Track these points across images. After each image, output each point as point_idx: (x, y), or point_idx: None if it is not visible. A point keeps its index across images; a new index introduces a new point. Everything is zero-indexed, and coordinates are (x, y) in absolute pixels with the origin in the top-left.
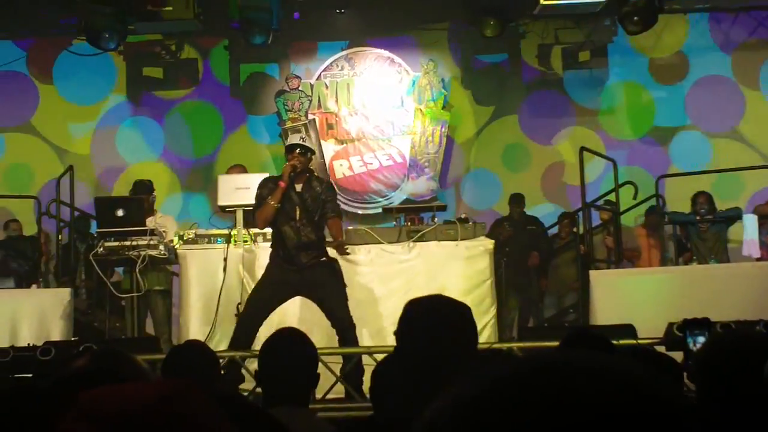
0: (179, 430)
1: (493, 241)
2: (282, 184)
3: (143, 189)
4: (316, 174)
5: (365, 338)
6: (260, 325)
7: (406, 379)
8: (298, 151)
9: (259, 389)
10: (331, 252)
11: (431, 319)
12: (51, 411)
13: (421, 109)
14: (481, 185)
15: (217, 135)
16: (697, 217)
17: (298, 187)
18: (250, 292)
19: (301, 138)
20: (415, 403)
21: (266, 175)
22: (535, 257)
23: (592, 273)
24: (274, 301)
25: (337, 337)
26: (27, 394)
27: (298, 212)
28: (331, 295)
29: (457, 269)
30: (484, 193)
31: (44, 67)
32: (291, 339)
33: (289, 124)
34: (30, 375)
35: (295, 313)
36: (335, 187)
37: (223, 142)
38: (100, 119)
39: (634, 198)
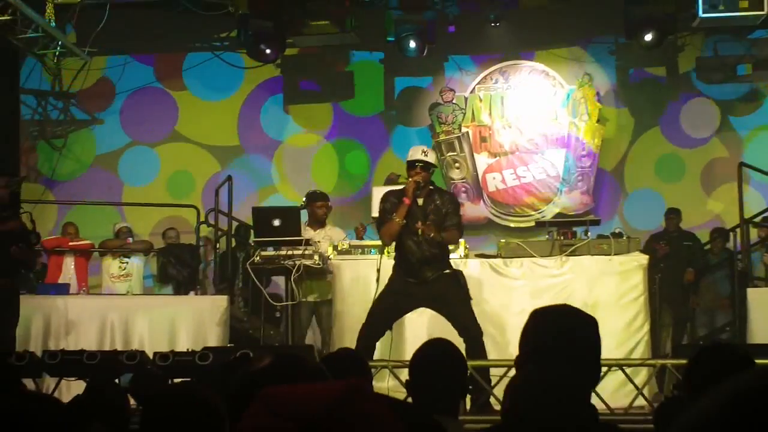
0: (360, 427)
1: (647, 256)
2: (407, 200)
3: (314, 198)
4: (437, 187)
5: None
6: (381, 335)
7: (536, 391)
8: (419, 165)
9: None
10: (456, 263)
11: (555, 328)
12: (238, 406)
13: (575, 123)
14: (643, 205)
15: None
16: None
17: (420, 201)
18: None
19: (423, 152)
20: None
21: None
22: (691, 274)
23: (750, 291)
24: (397, 311)
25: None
26: (211, 391)
27: (420, 226)
28: (456, 305)
29: (610, 284)
30: (647, 212)
31: (174, 75)
32: (442, 349)
33: (442, 137)
34: (190, 380)
35: (423, 325)
36: (458, 200)
37: (378, 157)
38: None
39: None
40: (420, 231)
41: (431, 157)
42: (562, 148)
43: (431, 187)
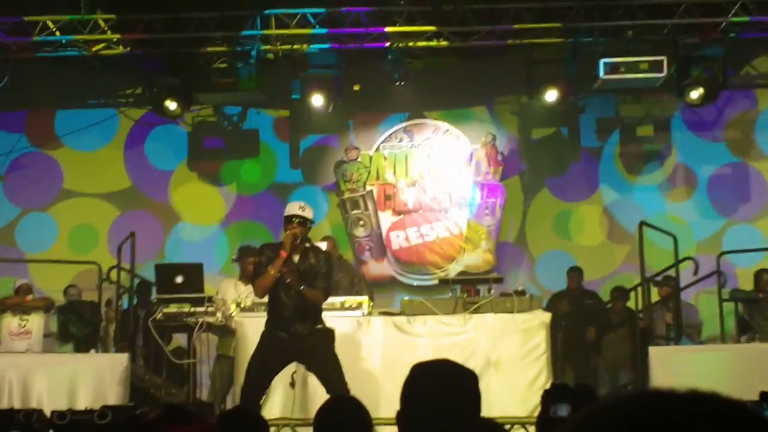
0: None
1: (549, 314)
2: (284, 253)
3: (247, 253)
4: (313, 244)
5: None
6: (262, 393)
7: None
8: (296, 221)
9: None
10: (359, 321)
11: (434, 384)
12: None
13: (478, 182)
14: (552, 264)
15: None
16: (760, 295)
17: (296, 258)
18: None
19: (300, 207)
20: None
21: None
22: (592, 332)
23: (652, 349)
24: (271, 368)
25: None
26: None
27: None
28: (326, 362)
29: (513, 341)
30: (558, 271)
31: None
32: (346, 407)
33: (347, 195)
34: None
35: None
36: (332, 262)
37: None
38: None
39: (695, 274)
40: (288, 281)
41: (308, 213)
42: (465, 207)
43: (308, 245)
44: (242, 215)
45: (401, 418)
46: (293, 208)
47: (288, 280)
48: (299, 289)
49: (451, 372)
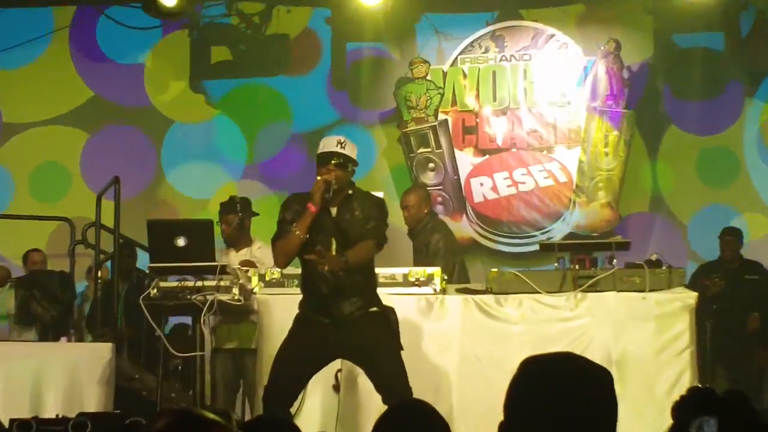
0: None
1: (695, 294)
2: (312, 207)
3: (233, 208)
4: (360, 191)
5: None
6: (294, 400)
7: None
8: (333, 162)
9: None
10: (428, 301)
11: (553, 387)
12: None
13: (595, 108)
14: (696, 225)
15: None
16: None
17: (334, 211)
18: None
19: (339, 143)
20: None
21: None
22: (756, 320)
23: None
24: (309, 364)
25: None
26: None
27: (334, 245)
28: (383, 358)
29: (643, 332)
30: (705, 234)
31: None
32: (417, 414)
33: (411, 127)
34: None
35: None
36: (386, 208)
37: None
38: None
39: None
40: (317, 253)
41: (350, 150)
42: (577, 144)
43: (351, 191)
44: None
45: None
46: (329, 143)
47: (317, 253)
48: (341, 265)
49: (578, 370)
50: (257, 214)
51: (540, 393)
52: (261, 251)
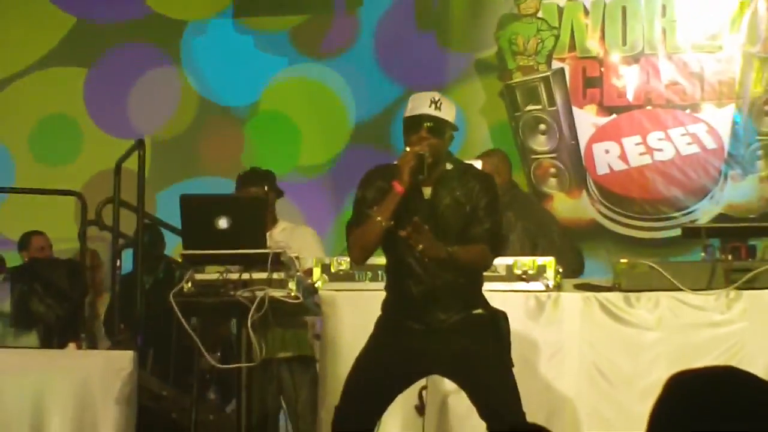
0: None
1: None
2: (398, 187)
3: (257, 182)
4: (462, 164)
5: None
6: (374, 424)
7: None
8: (426, 127)
9: None
10: (539, 300)
11: (711, 410)
12: None
13: (755, 55)
14: None
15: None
16: None
17: (428, 192)
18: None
19: (433, 103)
20: None
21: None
22: None
23: None
24: (394, 385)
25: None
26: None
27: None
28: (489, 373)
29: None
30: None
31: None
32: None
33: (517, 77)
34: None
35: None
36: (497, 189)
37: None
38: None
39: None
40: (408, 237)
41: (448, 112)
42: (730, 100)
43: (449, 165)
44: None
45: None
46: (420, 103)
47: (411, 239)
48: (441, 254)
49: (743, 389)
50: (283, 194)
51: (694, 418)
52: (285, 233)
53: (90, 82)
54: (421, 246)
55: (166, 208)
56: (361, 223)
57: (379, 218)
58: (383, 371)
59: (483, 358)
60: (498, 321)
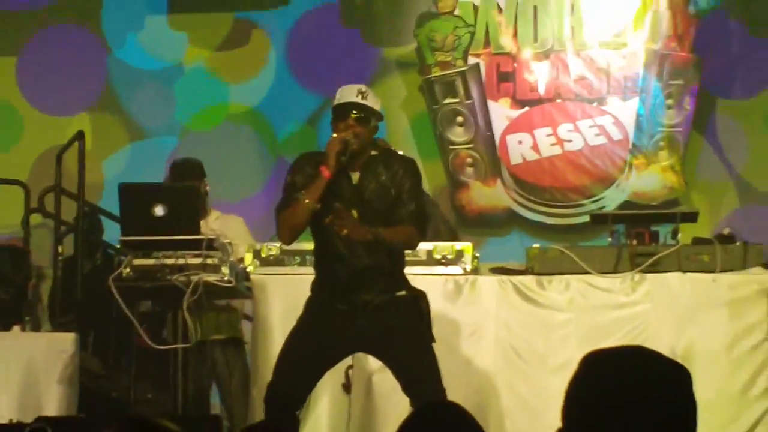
0: None
1: None
2: (325, 171)
3: (189, 173)
4: (386, 150)
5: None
6: (302, 402)
7: None
8: (353, 115)
9: None
10: (457, 283)
11: (624, 388)
12: None
13: (655, 51)
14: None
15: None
16: None
17: (355, 177)
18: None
19: (360, 93)
20: None
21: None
22: None
23: None
24: (323, 358)
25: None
26: None
27: (355, 217)
28: (408, 349)
29: (713, 321)
30: None
31: None
32: (446, 419)
33: (435, 72)
34: None
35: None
36: (420, 173)
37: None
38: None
39: None
40: (330, 222)
41: (373, 102)
42: (634, 94)
43: (373, 152)
44: None
45: None
46: (348, 93)
47: (335, 225)
48: (367, 236)
49: (652, 367)
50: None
51: (608, 393)
52: (219, 222)
53: (21, 67)
54: (345, 231)
55: (112, 172)
56: (290, 205)
57: (306, 201)
58: (313, 348)
59: (406, 336)
60: (419, 301)
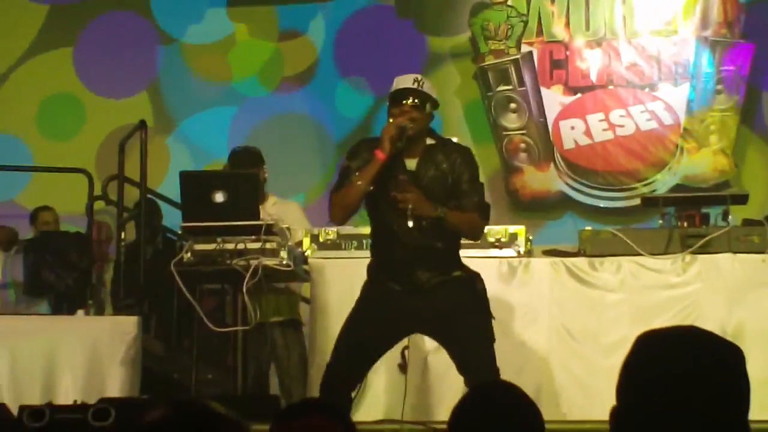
0: None
1: None
2: (380, 154)
3: (249, 161)
4: (443, 139)
5: (599, 409)
6: (357, 383)
7: None
8: (410, 101)
9: None
10: (510, 265)
11: (680, 367)
12: None
13: (707, 38)
14: None
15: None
16: None
17: (412, 164)
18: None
19: (416, 81)
20: None
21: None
22: None
23: None
24: (380, 339)
25: None
26: None
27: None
28: (463, 329)
29: (764, 301)
30: None
31: None
32: (507, 399)
33: (489, 61)
34: None
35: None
36: (477, 163)
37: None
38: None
39: None
40: (397, 200)
41: (429, 89)
42: (685, 80)
43: (431, 141)
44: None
45: (621, 420)
46: (405, 81)
47: (399, 201)
48: (433, 212)
49: (707, 347)
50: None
51: (662, 375)
52: (277, 207)
53: (78, 57)
54: (410, 205)
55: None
56: (343, 187)
57: (360, 182)
58: (370, 332)
59: (460, 316)
60: (474, 282)
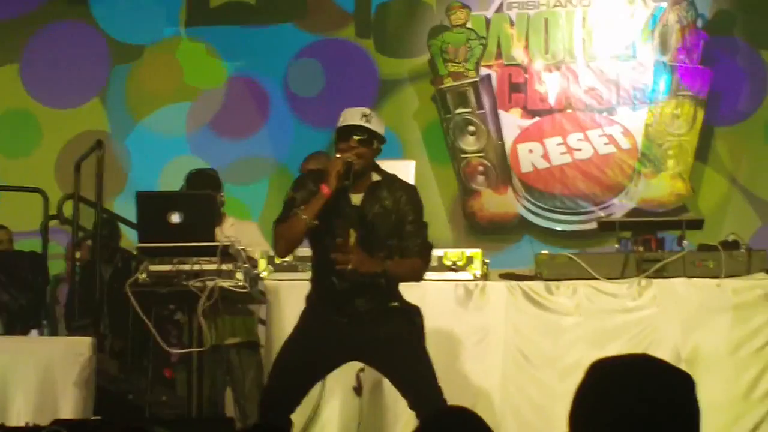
0: None
1: None
2: (326, 189)
3: (207, 184)
4: (388, 175)
5: None
6: (295, 406)
7: None
8: (356, 137)
9: None
10: (467, 288)
11: (631, 396)
12: None
13: (665, 63)
14: None
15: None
16: None
17: (357, 199)
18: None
19: (364, 116)
20: None
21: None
22: None
23: None
24: (315, 367)
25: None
26: None
27: (352, 236)
28: (409, 361)
29: (718, 326)
30: None
31: None
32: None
33: (448, 82)
34: None
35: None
36: (421, 201)
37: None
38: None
39: None
40: (338, 262)
41: (377, 125)
42: (643, 104)
43: (377, 177)
44: None
45: None
46: (352, 115)
47: (339, 246)
48: (377, 269)
49: (658, 376)
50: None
51: (614, 400)
52: (234, 228)
53: (25, 71)
54: (350, 266)
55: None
56: (287, 220)
57: (304, 216)
58: (306, 357)
59: (398, 344)
60: (412, 314)
